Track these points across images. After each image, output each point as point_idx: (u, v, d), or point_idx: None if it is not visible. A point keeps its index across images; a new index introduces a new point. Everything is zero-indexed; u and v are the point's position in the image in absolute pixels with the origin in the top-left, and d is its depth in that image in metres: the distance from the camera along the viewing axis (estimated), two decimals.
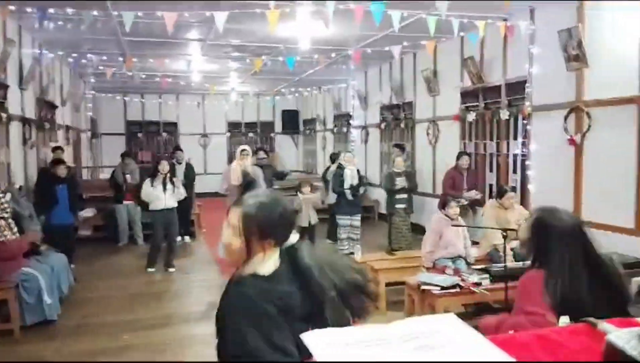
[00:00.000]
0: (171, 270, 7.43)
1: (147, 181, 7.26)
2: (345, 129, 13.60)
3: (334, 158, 9.54)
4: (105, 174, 12.19)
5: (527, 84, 6.93)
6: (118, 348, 4.70)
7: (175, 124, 17.19)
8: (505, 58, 7.40)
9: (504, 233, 4.23)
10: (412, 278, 4.86)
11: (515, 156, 7.35)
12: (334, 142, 14.61)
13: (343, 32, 8.02)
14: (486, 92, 7.86)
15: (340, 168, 8.03)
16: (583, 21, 5.97)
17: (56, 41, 8.53)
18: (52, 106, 9.12)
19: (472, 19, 6.34)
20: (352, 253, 7.98)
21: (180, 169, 9.43)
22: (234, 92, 15.59)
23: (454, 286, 4.41)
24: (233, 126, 17.80)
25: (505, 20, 6.93)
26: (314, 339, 1.17)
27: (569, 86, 6.24)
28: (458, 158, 7.86)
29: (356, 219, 7.88)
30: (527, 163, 6.97)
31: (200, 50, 9.46)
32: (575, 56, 6.03)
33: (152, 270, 7.39)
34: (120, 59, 9.77)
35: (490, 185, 7.87)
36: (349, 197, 7.76)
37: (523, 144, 7.16)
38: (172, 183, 7.35)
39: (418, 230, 8.60)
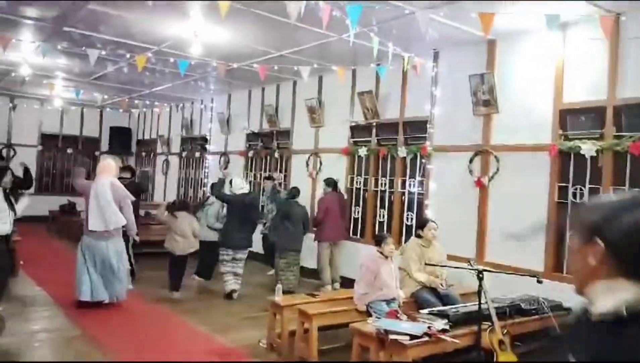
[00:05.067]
0: None
1: None
2: (198, 154, 12.35)
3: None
4: None
5: (428, 124, 6.97)
6: None
7: None
8: (404, 96, 7.40)
9: (480, 275, 3.88)
10: (365, 324, 4.18)
11: (411, 194, 7.27)
12: (182, 168, 13.20)
13: (233, 45, 7.18)
14: (380, 128, 7.75)
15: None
16: (493, 68, 6.23)
17: None
18: None
19: (399, 49, 6.11)
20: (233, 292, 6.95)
21: None
22: (59, 99, 13.12)
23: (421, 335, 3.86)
24: (48, 139, 14.96)
25: (405, 58, 6.90)
26: None
27: (474, 129, 6.41)
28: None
29: (243, 253, 6.90)
30: (425, 201, 6.93)
31: (38, 36, 7.51)
32: (486, 101, 6.23)
33: None
34: None
35: (381, 222, 7.66)
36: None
37: (421, 183, 7.13)
38: (11, 200, 5.46)
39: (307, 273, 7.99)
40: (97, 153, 15.74)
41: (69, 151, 15.36)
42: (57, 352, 4.69)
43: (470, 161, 6.39)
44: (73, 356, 4.50)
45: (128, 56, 7.81)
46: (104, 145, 15.72)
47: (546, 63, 5.72)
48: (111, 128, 15.62)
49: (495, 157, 6.14)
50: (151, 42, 7.35)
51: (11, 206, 5.40)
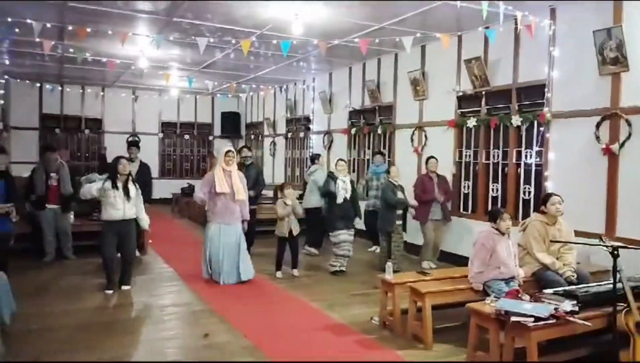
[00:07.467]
0: (126, 287, 6.07)
1: (107, 184, 5.84)
2: (302, 135, 12.58)
3: (314, 158, 8.54)
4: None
5: (546, 89, 6.41)
6: None
7: (99, 121, 15.21)
8: (517, 60, 6.86)
9: (616, 252, 3.50)
10: (483, 304, 3.98)
11: (527, 165, 6.79)
12: (287, 148, 13.54)
13: (333, 21, 7.10)
14: (490, 97, 7.28)
15: (332, 177, 7.06)
16: (620, 21, 5.53)
17: None
18: None
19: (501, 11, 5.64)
20: (342, 271, 7.02)
21: (133, 169, 7.94)
22: (175, 89, 14.02)
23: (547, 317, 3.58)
24: (167, 126, 16.13)
25: (516, 19, 6.32)
26: None
27: (600, 90, 5.78)
28: (426, 162, 7.55)
29: (351, 234, 6.94)
30: (545, 173, 6.42)
31: (152, 28, 7.96)
32: (614, 58, 5.57)
33: (111, 291, 5.94)
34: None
35: (494, 197, 7.26)
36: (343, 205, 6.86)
37: (539, 153, 6.61)
38: (134, 187, 6.02)
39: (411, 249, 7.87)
40: (210, 138, 16.68)
41: (186, 137, 16.42)
42: (186, 325, 5.04)
43: (597, 126, 5.79)
44: (201, 330, 4.79)
45: (234, 41, 8.05)
46: (217, 130, 16.61)
47: None
48: (222, 113, 16.43)
49: (627, 121, 5.49)
50: (254, 26, 7.52)
51: (127, 195, 5.89)
